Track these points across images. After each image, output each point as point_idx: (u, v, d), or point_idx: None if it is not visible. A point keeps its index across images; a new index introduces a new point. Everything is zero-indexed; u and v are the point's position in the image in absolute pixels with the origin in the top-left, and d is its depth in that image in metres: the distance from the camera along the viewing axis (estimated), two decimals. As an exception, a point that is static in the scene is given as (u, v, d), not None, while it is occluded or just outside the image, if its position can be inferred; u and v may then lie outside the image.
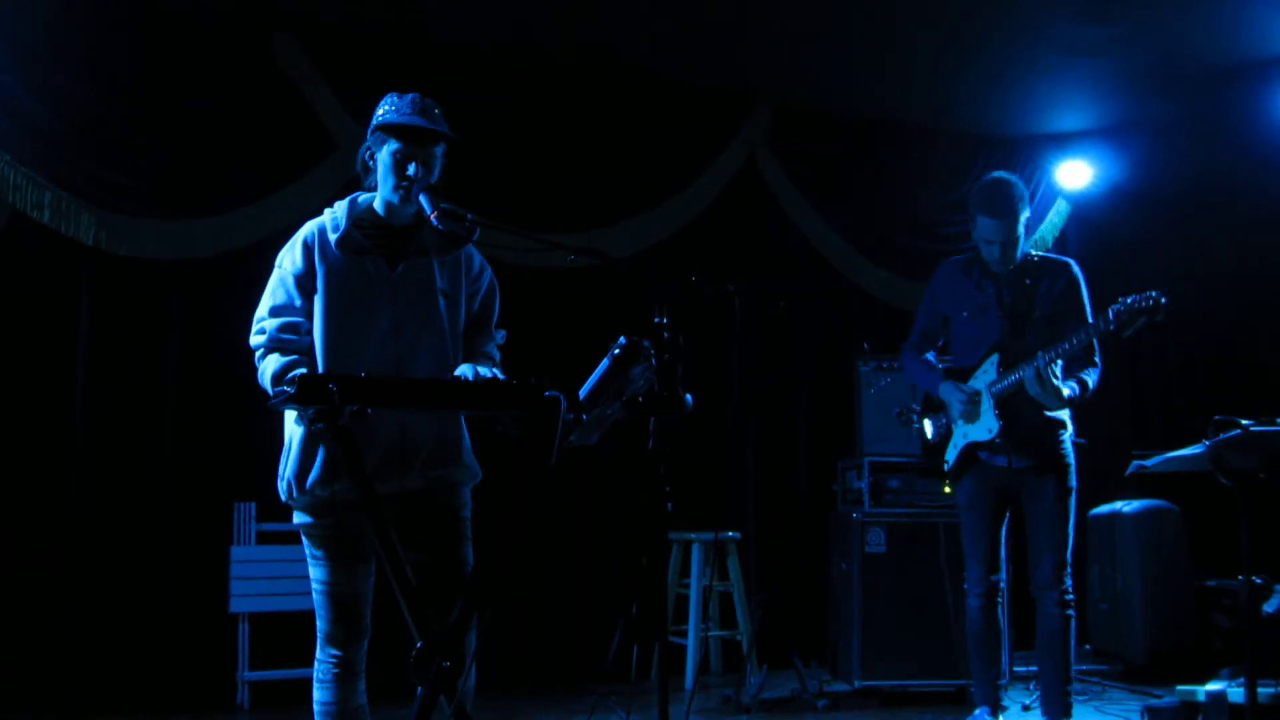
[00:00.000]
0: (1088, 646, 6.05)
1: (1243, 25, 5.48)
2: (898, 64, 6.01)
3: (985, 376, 4.03)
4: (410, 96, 2.87)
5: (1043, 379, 3.79)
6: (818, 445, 6.49)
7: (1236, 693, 4.21)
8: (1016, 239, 3.98)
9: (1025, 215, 3.99)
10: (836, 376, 6.16)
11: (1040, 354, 3.81)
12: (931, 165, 6.85)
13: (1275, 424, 3.59)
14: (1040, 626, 4.03)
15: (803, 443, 6.60)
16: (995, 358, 4.00)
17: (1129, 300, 3.66)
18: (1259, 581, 3.70)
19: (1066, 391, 3.87)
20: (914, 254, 6.71)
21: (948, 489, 5.41)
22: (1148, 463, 4.08)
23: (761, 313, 6.51)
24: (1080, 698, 5.23)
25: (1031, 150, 6.98)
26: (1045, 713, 4.07)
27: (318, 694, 2.86)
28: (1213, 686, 4.38)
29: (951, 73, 6.10)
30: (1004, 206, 3.96)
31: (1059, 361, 3.87)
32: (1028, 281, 4.05)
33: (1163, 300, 3.61)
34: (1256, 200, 6.17)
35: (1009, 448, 4.00)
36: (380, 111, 2.88)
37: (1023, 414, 3.96)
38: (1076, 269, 4.11)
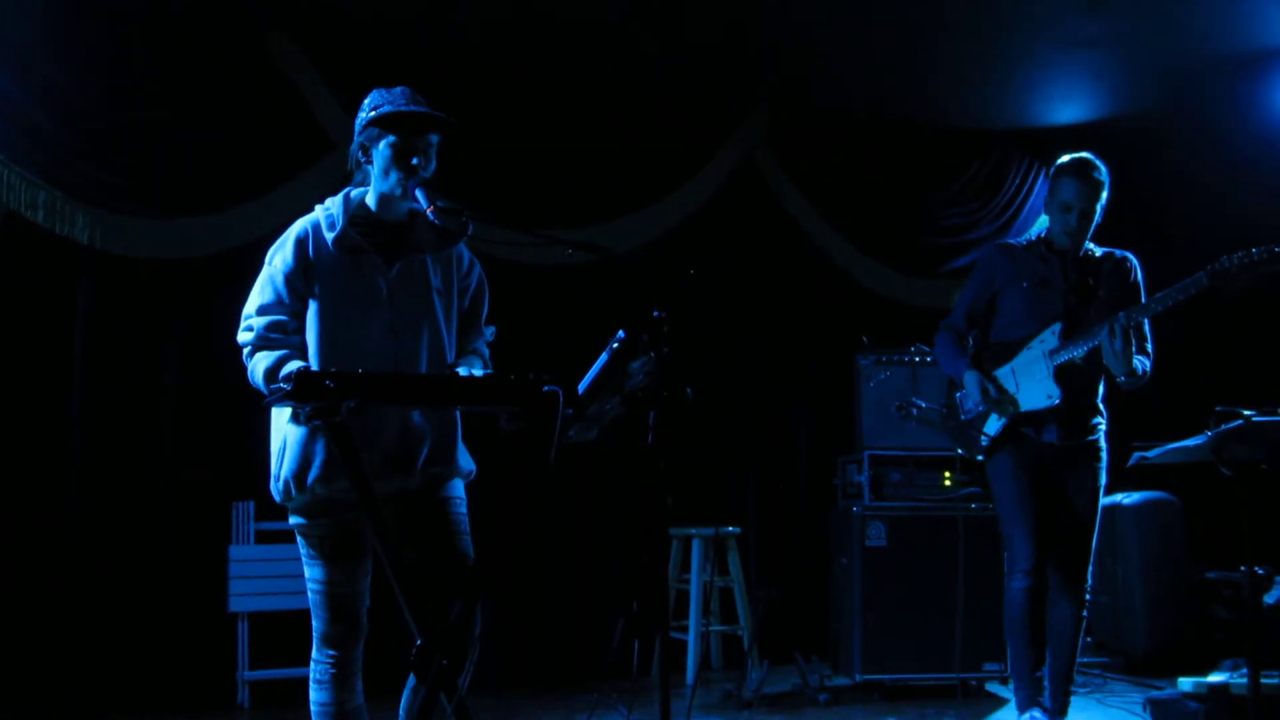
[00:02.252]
0: (1089, 639, 6.04)
1: (1243, 17, 5.46)
2: (896, 60, 5.98)
3: (1044, 345, 3.93)
4: (400, 89, 2.84)
5: (1127, 338, 3.69)
6: (818, 440, 6.49)
7: (1239, 684, 4.21)
8: (1094, 213, 3.97)
9: (1105, 196, 3.99)
10: (836, 371, 6.15)
11: (1123, 313, 3.73)
12: (930, 160, 6.85)
13: (1277, 414, 3.57)
14: (1053, 620, 3.97)
15: (803, 437, 6.59)
16: (1058, 327, 3.91)
17: (1236, 255, 3.54)
18: (1260, 572, 3.68)
19: (1136, 363, 3.80)
20: (912, 249, 6.71)
21: (948, 481, 5.42)
22: (1149, 454, 4.06)
23: (759, 305, 6.51)
24: (1082, 690, 5.24)
25: (1031, 143, 6.97)
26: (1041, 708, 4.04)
27: (315, 694, 2.84)
28: (1215, 678, 4.37)
29: (951, 67, 6.09)
30: (1092, 174, 3.96)
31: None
32: (1092, 264, 4.03)
33: (1277, 249, 3.50)
34: (1256, 191, 6.16)
35: (1063, 421, 3.92)
36: (371, 106, 2.85)
37: (1074, 391, 3.90)
38: (1136, 260, 4.09)
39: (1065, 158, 4.09)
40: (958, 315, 4.21)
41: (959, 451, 4.32)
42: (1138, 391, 3.91)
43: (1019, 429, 3.97)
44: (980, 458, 4.12)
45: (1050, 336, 3.93)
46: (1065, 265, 4.01)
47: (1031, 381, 3.93)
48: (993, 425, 4.03)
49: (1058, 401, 3.87)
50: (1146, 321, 3.87)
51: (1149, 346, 3.91)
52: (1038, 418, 3.94)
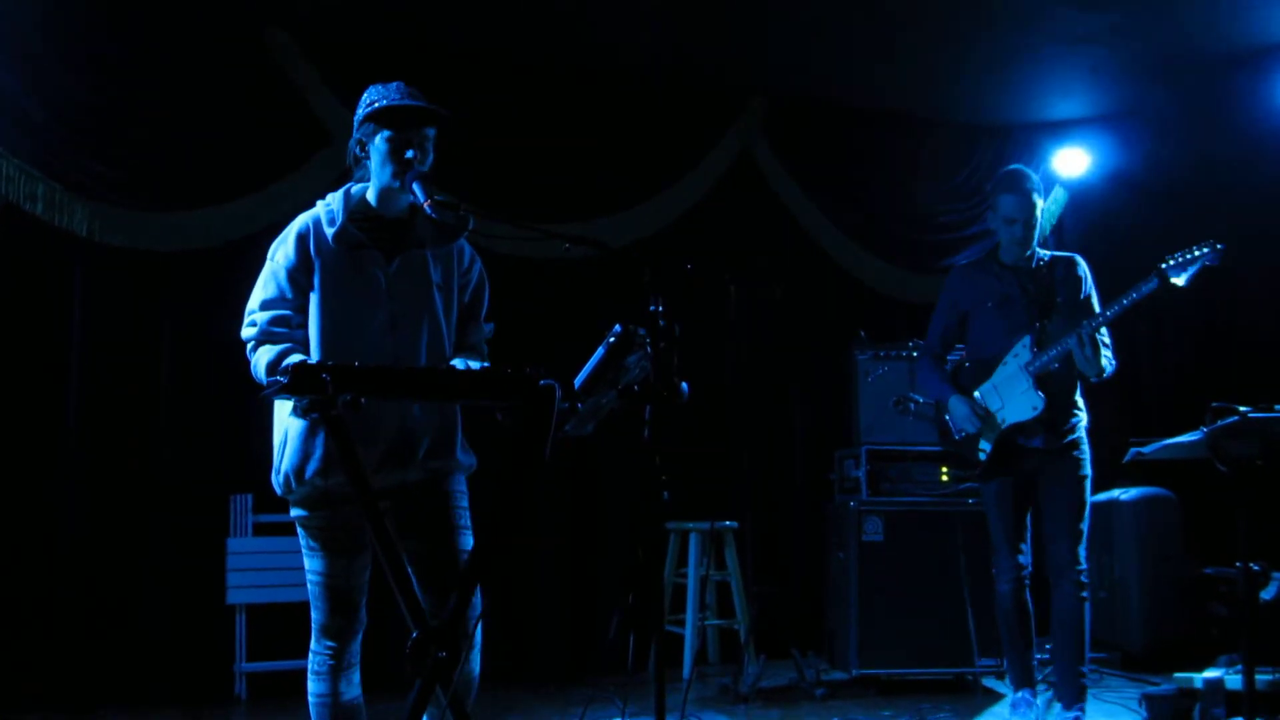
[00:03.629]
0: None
1: (1240, 13, 5.47)
2: (894, 53, 5.98)
3: (1018, 360, 4.15)
4: (396, 84, 2.85)
5: (1095, 344, 3.94)
6: (815, 434, 6.49)
7: (1234, 680, 4.21)
8: (1035, 220, 4.22)
9: (1040, 201, 4.24)
10: (833, 365, 6.15)
11: (1086, 322, 3.97)
12: (928, 155, 6.85)
13: (1273, 411, 3.57)
14: (1056, 608, 4.12)
15: (800, 432, 6.59)
16: (1027, 340, 4.14)
17: (1179, 253, 3.76)
18: (1256, 569, 3.69)
19: (1105, 363, 4.03)
20: (910, 244, 6.71)
21: (945, 476, 5.43)
22: (1145, 450, 4.07)
23: (757, 299, 6.51)
24: (1078, 685, 5.25)
25: (1029, 138, 6.96)
26: (1058, 697, 4.14)
27: (313, 686, 2.85)
28: (1210, 674, 4.38)
29: (949, 61, 6.08)
30: (1024, 185, 4.20)
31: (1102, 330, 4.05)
32: (1044, 272, 4.27)
33: (1219, 246, 3.71)
34: (1253, 187, 6.16)
35: (1048, 426, 4.12)
36: (368, 102, 2.86)
37: (1052, 394, 4.10)
38: (1083, 261, 4.32)
39: (1000, 173, 4.38)
40: (934, 340, 4.48)
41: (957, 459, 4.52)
42: (1119, 384, 4.10)
43: (1009, 440, 4.18)
44: (978, 471, 4.32)
45: (1022, 350, 4.16)
46: (1021, 279, 4.26)
47: (1015, 394, 4.16)
48: (985, 443, 4.25)
49: (1042, 409, 4.08)
50: (1122, 310, 4.03)
51: (1108, 340, 4.13)
52: (1025, 427, 4.15)
